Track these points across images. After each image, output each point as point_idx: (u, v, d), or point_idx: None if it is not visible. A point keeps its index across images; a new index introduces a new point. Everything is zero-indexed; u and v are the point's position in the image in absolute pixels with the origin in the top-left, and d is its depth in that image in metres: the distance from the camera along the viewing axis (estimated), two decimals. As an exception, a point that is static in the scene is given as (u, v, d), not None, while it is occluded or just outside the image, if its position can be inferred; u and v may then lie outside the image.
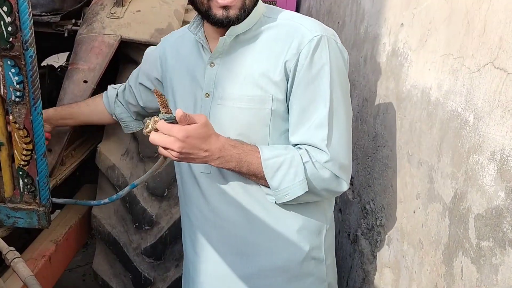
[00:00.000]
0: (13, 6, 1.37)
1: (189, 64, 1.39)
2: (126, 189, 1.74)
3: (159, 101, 1.12)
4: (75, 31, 2.30)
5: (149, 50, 1.65)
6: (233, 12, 1.20)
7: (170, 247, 2.21)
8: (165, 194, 2.17)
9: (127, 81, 1.72)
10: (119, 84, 1.79)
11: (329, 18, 2.64)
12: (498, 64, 1.02)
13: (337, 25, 2.39)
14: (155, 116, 1.14)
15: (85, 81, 2.10)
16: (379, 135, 1.67)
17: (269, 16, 1.30)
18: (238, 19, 1.22)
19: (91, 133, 2.48)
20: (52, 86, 2.73)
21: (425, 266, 1.33)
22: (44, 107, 2.72)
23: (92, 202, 1.95)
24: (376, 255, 1.70)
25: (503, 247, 0.98)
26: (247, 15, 1.24)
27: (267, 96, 1.24)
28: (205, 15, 1.24)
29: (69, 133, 2.07)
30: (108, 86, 1.81)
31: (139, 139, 2.17)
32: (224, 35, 1.26)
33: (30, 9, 1.42)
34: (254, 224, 1.32)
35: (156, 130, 1.13)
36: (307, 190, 1.22)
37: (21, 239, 2.19)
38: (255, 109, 1.25)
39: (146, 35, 2.15)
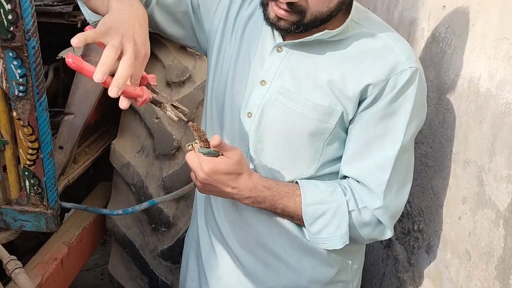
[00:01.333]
0: (13, -9, 1.26)
1: (257, 31, 1.17)
2: (145, 205, 1.62)
3: (196, 135, 1.02)
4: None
5: None
6: (284, 24, 1.02)
7: (188, 249, 2.09)
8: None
9: None
10: None
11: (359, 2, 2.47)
12: None
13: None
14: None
15: (98, 74, 1.98)
16: (416, 130, 1.51)
17: (359, 23, 1.10)
18: (291, 31, 1.04)
19: (105, 129, 2.37)
20: (67, 79, 2.63)
21: (473, 280, 1.17)
22: (58, 102, 2.64)
23: (104, 211, 1.83)
24: (413, 263, 1.54)
25: None
26: (314, 27, 1.04)
27: (337, 109, 1.07)
28: (261, 1, 1.07)
29: (82, 130, 1.96)
30: None
31: (155, 136, 2.05)
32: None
33: (33, -5, 1.30)
34: (281, 237, 1.18)
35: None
36: (347, 243, 1.10)
37: (36, 238, 2.09)
38: (317, 120, 1.08)
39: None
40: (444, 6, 1.36)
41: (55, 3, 2.17)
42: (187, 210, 2.08)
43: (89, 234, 2.09)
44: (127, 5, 0.99)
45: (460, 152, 1.25)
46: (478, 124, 1.16)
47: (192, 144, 1.06)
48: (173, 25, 1.25)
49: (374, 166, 1.07)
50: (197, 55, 2.19)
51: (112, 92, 0.84)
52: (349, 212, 1.08)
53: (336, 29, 1.05)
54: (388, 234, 1.13)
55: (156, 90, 1.01)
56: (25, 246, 2.02)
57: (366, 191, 1.09)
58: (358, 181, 1.10)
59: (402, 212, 1.63)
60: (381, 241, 1.85)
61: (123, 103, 0.90)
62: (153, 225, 2.06)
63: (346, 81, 1.06)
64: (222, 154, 1.03)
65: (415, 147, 1.53)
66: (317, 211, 1.08)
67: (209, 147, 1.03)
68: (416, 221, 1.53)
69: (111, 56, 0.85)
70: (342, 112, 1.07)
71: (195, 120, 2.17)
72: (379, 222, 1.10)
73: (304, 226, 1.13)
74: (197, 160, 1.04)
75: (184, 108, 1.02)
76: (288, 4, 0.97)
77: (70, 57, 0.85)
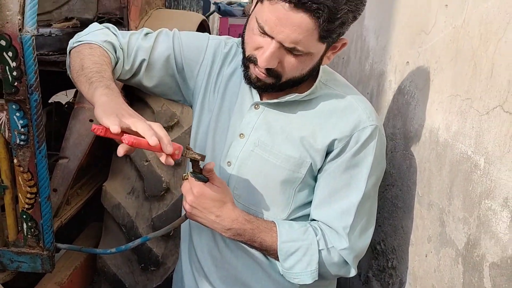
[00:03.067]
0: (19, 51, 1.38)
1: (236, 89, 1.30)
2: (137, 241, 1.71)
3: (190, 160, 1.16)
4: (82, 70, 2.31)
5: (204, 35, 1.39)
6: (261, 84, 1.16)
7: (176, 288, 2.16)
8: (171, 234, 2.14)
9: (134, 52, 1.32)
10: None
11: (334, 54, 2.64)
12: (508, 108, 1.00)
13: (342, 60, 2.38)
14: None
15: (91, 120, 2.10)
16: (387, 173, 1.64)
17: (326, 84, 1.25)
18: (267, 89, 1.18)
19: (96, 171, 2.47)
20: (59, 123, 2.74)
21: (439, 313, 1.27)
22: (51, 145, 2.74)
23: (98, 250, 1.92)
24: (388, 298, 1.64)
25: (521, 299, 0.94)
26: (288, 87, 1.18)
27: (306, 161, 1.21)
28: (243, 63, 1.20)
29: (75, 172, 2.06)
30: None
31: (145, 178, 2.16)
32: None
33: (35, 54, 1.42)
34: (258, 274, 1.29)
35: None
36: (316, 279, 1.21)
37: (29, 278, 2.15)
38: (288, 170, 1.22)
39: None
40: (408, 62, 1.52)
41: (50, 53, 2.30)
42: (176, 249, 2.17)
43: (80, 274, 2.17)
44: (114, 96, 1.06)
45: (424, 195, 1.38)
46: (439, 170, 1.30)
47: (187, 173, 1.19)
48: (161, 86, 1.36)
49: (339, 212, 1.20)
50: (185, 101, 2.32)
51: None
52: (319, 250, 1.20)
53: (305, 92, 1.20)
54: (353, 272, 1.26)
55: None
56: (17, 287, 2.09)
57: (334, 233, 1.21)
58: (327, 225, 1.22)
59: (378, 250, 1.75)
60: (360, 277, 1.95)
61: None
62: (143, 265, 2.14)
63: (315, 136, 1.20)
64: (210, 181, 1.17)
65: (386, 190, 1.66)
66: (290, 248, 1.20)
67: (201, 173, 1.16)
68: (389, 259, 1.64)
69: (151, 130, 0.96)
70: (311, 163, 1.20)
71: (184, 161, 2.29)
72: (345, 262, 1.22)
73: (278, 261, 1.23)
74: (188, 185, 1.17)
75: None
76: (266, 68, 1.11)
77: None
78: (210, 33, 1.65)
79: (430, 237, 1.35)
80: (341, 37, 1.15)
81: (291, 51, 1.07)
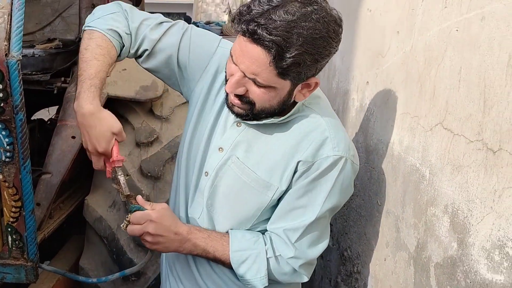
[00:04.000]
0: (5, 74, 1.47)
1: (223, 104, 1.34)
2: (116, 275, 1.80)
3: (125, 200, 1.28)
4: (64, 88, 2.40)
5: (216, 39, 1.42)
6: (236, 110, 1.23)
7: (156, 297, 2.25)
8: (151, 245, 2.23)
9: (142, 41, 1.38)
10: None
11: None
12: (446, 125, 1.13)
13: (313, 78, 2.52)
14: (129, 212, 1.27)
15: (73, 137, 2.18)
16: (352, 184, 1.76)
17: (309, 106, 1.28)
18: (242, 117, 1.25)
19: (79, 186, 2.55)
20: (42, 139, 2.81)
21: (395, 312, 1.39)
22: (34, 161, 2.81)
23: (81, 278, 2.01)
24: (355, 301, 1.76)
25: (458, 294, 1.06)
26: (262, 118, 1.24)
27: (274, 186, 1.28)
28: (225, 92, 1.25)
29: (58, 187, 2.14)
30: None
31: (126, 191, 2.25)
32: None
33: (21, 76, 1.52)
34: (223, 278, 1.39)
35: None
36: (266, 285, 1.31)
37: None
38: (257, 191, 1.29)
39: (131, 92, 2.26)
40: (368, 82, 1.65)
41: (33, 73, 2.38)
42: (156, 259, 2.26)
43: (63, 285, 2.23)
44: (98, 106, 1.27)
45: (383, 204, 1.50)
46: (394, 181, 1.42)
47: (124, 221, 1.26)
48: (159, 75, 1.42)
49: (291, 227, 1.29)
50: (164, 118, 2.43)
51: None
52: (267, 258, 1.30)
53: (282, 117, 1.25)
54: (305, 278, 1.35)
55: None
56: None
57: (282, 243, 1.30)
58: (277, 235, 1.32)
59: (345, 257, 1.87)
60: (330, 282, 2.06)
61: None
62: (124, 275, 2.22)
63: (285, 160, 1.26)
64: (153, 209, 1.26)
65: (352, 200, 1.78)
66: (241, 257, 1.30)
67: (137, 204, 1.26)
68: (355, 264, 1.76)
69: None
70: (278, 188, 1.28)
71: (163, 176, 2.39)
72: (294, 269, 1.32)
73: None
74: (138, 226, 1.24)
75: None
76: (239, 96, 1.19)
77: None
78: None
79: (388, 243, 1.47)
80: (312, 77, 1.17)
81: (254, 81, 1.14)
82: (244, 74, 1.13)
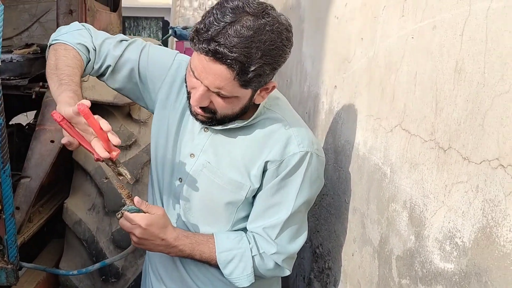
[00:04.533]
0: (-17, 80, 1.51)
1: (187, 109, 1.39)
2: (97, 265, 1.84)
3: (123, 194, 1.27)
4: (43, 93, 2.43)
5: (172, 53, 1.50)
6: (201, 118, 1.29)
7: (136, 298, 2.30)
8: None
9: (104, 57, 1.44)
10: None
11: (279, 77, 2.87)
12: (404, 126, 1.21)
13: (286, 83, 2.60)
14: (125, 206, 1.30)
15: (52, 141, 2.22)
16: (323, 184, 1.84)
17: (270, 108, 1.36)
18: (207, 124, 1.32)
19: (58, 190, 2.58)
20: (20, 144, 2.83)
21: (362, 304, 1.47)
22: (13, 166, 2.83)
23: (61, 271, 2.05)
24: (327, 296, 1.83)
25: (416, 283, 1.14)
26: (225, 122, 1.30)
27: (246, 185, 1.34)
28: (187, 97, 1.31)
29: (37, 191, 2.17)
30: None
31: (105, 194, 2.29)
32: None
33: (-1, 81, 1.56)
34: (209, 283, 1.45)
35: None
36: (253, 281, 1.38)
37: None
38: (231, 191, 1.35)
39: (109, 96, 2.31)
40: (336, 86, 1.73)
41: (11, 77, 2.41)
42: (135, 261, 2.31)
43: None
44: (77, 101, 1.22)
45: (350, 202, 1.58)
46: (359, 180, 1.50)
47: (121, 212, 1.29)
48: (124, 91, 1.48)
49: (270, 225, 1.36)
50: (142, 122, 2.48)
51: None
52: (252, 256, 1.37)
53: (247, 120, 1.33)
54: (287, 272, 1.43)
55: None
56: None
57: (264, 241, 1.38)
58: (258, 233, 1.39)
59: (317, 254, 1.95)
60: (304, 279, 2.14)
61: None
62: (104, 277, 2.26)
63: (254, 160, 1.34)
64: (147, 212, 1.28)
65: (322, 199, 1.86)
66: (227, 257, 1.36)
67: (134, 205, 1.27)
68: (326, 261, 1.84)
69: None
70: (250, 186, 1.34)
71: (142, 178, 2.44)
72: (277, 264, 1.39)
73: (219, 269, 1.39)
74: (129, 224, 1.27)
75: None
76: (201, 107, 1.25)
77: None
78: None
79: (355, 238, 1.55)
80: (270, 82, 1.24)
81: (218, 94, 1.20)
82: (208, 88, 1.19)
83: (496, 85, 0.87)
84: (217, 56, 1.11)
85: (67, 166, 2.46)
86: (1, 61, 2.36)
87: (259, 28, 1.12)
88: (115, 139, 1.13)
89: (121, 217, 1.30)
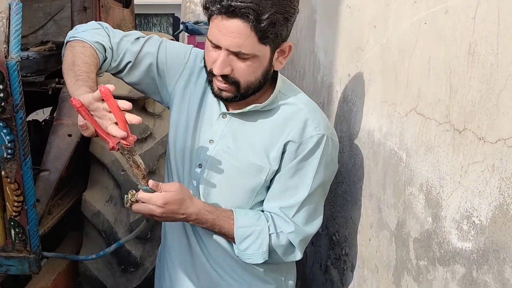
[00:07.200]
0: (5, 75, 1.55)
1: (209, 99, 1.45)
2: (113, 246, 1.88)
3: (138, 174, 1.28)
4: (59, 89, 2.48)
5: (188, 48, 1.55)
6: (225, 95, 1.33)
7: (154, 287, 2.34)
8: (148, 237, 2.32)
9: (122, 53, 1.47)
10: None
11: (292, 67, 2.89)
12: (419, 110, 1.23)
13: (299, 73, 2.61)
14: (131, 190, 1.31)
15: (70, 135, 2.27)
16: (338, 172, 1.85)
17: (285, 94, 1.41)
18: (232, 100, 1.35)
19: (76, 182, 2.63)
20: (37, 139, 2.89)
21: None
22: (31, 160, 2.88)
23: (80, 257, 2.10)
24: (344, 283, 1.85)
25: (434, 264, 1.16)
26: (250, 94, 1.34)
27: (266, 168, 1.38)
28: (207, 79, 1.38)
29: (56, 184, 2.22)
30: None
31: (122, 186, 2.33)
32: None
33: (20, 77, 1.60)
34: (229, 269, 1.49)
35: (137, 201, 1.29)
36: (267, 259, 1.41)
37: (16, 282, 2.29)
38: (251, 175, 1.39)
39: (124, 90, 2.33)
40: (349, 74, 1.75)
41: (28, 74, 2.46)
42: (153, 250, 2.35)
43: (64, 278, 2.31)
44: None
45: (366, 188, 1.60)
46: (375, 166, 1.52)
47: (129, 199, 1.28)
48: (141, 85, 1.52)
49: (287, 205, 1.40)
50: (156, 115, 2.52)
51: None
52: (269, 234, 1.40)
53: (264, 102, 1.37)
54: (298, 255, 1.46)
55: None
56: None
57: (282, 220, 1.41)
58: (275, 213, 1.42)
59: (334, 241, 1.97)
60: (320, 267, 2.16)
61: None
62: (122, 266, 2.31)
63: (273, 144, 1.38)
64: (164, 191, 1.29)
65: (338, 186, 1.88)
66: (245, 233, 1.40)
67: (148, 185, 1.27)
68: (343, 247, 1.86)
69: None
70: (270, 169, 1.39)
71: (157, 169, 2.47)
72: (291, 244, 1.42)
73: (235, 243, 1.43)
74: (145, 204, 1.28)
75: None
76: (224, 76, 1.29)
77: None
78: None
79: (371, 224, 1.57)
80: (285, 42, 1.30)
81: (238, 56, 1.25)
82: (229, 50, 1.24)
83: (510, 65, 0.88)
84: (230, 10, 1.17)
85: (84, 160, 2.50)
86: (18, 58, 2.41)
87: None
88: (135, 118, 1.15)
89: (130, 204, 1.29)
